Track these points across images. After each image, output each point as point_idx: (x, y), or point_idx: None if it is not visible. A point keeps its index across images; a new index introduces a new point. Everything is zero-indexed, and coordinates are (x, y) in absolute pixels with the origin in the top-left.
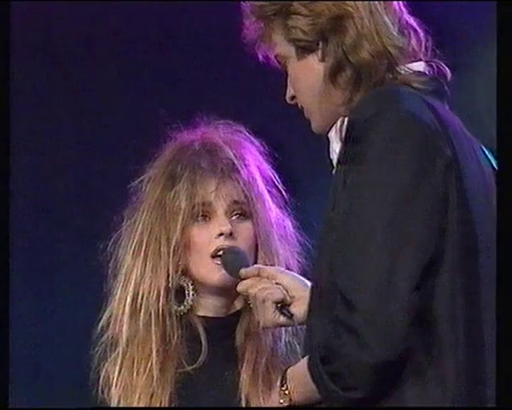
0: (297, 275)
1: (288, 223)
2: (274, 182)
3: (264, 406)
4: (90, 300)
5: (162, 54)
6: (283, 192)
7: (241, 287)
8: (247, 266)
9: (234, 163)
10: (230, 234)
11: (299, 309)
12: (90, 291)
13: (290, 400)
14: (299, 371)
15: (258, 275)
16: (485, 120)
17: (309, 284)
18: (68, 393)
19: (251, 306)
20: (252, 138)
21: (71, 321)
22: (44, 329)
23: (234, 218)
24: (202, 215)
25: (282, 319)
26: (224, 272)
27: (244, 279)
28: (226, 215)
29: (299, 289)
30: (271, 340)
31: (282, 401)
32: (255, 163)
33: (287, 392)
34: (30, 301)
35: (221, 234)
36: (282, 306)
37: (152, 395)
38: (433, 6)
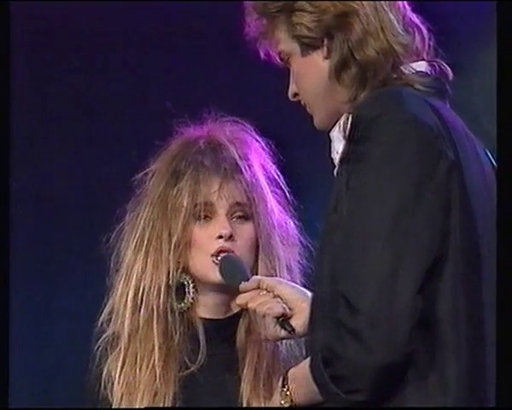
0: (297, 286)
1: (291, 224)
2: (278, 182)
3: None
4: (92, 298)
5: (170, 49)
6: (287, 193)
7: (240, 301)
8: (246, 274)
9: (237, 163)
10: (230, 236)
11: (300, 322)
12: (90, 289)
13: (291, 401)
14: (301, 372)
15: (258, 287)
16: (484, 121)
17: (309, 294)
18: (69, 393)
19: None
20: (258, 137)
21: (72, 320)
22: (45, 328)
23: (235, 219)
24: (204, 215)
25: (284, 333)
26: None
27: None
28: (227, 216)
29: (299, 301)
30: (272, 344)
31: (283, 401)
32: (260, 163)
33: (288, 393)
34: (30, 300)
35: (221, 236)
36: (283, 320)
37: (155, 394)
38: (433, 6)
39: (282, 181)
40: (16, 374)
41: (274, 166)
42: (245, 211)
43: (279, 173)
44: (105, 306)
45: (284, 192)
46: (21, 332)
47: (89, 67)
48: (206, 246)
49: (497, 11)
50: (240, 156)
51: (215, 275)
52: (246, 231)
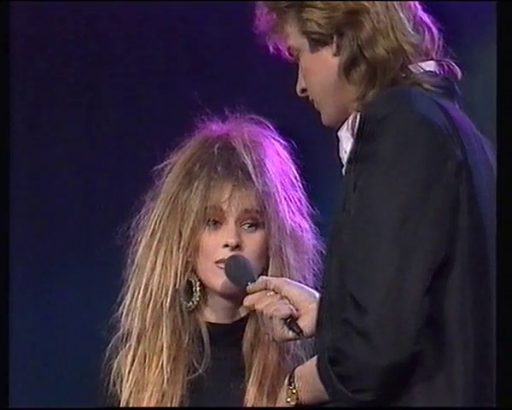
0: (304, 286)
1: (306, 228)
2: (295, 185)
3: None
4: (92, 296)
5: (190, 46)
6: (303, 197)
7: (247, 302)
8: (252, 275)
9: (250, 171)
10: (237, 246)
11: (308, 323)
12: (91, 287)
13: (297, 399)
14: (308, 370)
15: (266, 287)
16: (484, 121)
17: (316, 294)
18: (69, 393)
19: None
20: (277, 138)
21: (72, 320)
22: (45, 328)
23: (245, 227)
24: (213, 220)
25: (291, 334)
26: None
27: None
28: (236, 224)
29: (306, 302)
30: (278, 353)
31: (289, 399)
32: (275, 167)
33: (294, 391)
34: (30, 298)
35: (227, 245)
36: (291, 321)
37: (163, 395)
38: (433, 6)
39: (299, 184)
40: (16, 373)
41: (292, 168)
42: (255, 219)
43: (297, 175)
44: (121, 298)
45: (300, 195)
46: (21, 331)
47: (95, 62)
48: (213, 253)
49: (497, 11)
50: (253, 163)
51: (219, 282)
52: (255, 239)
